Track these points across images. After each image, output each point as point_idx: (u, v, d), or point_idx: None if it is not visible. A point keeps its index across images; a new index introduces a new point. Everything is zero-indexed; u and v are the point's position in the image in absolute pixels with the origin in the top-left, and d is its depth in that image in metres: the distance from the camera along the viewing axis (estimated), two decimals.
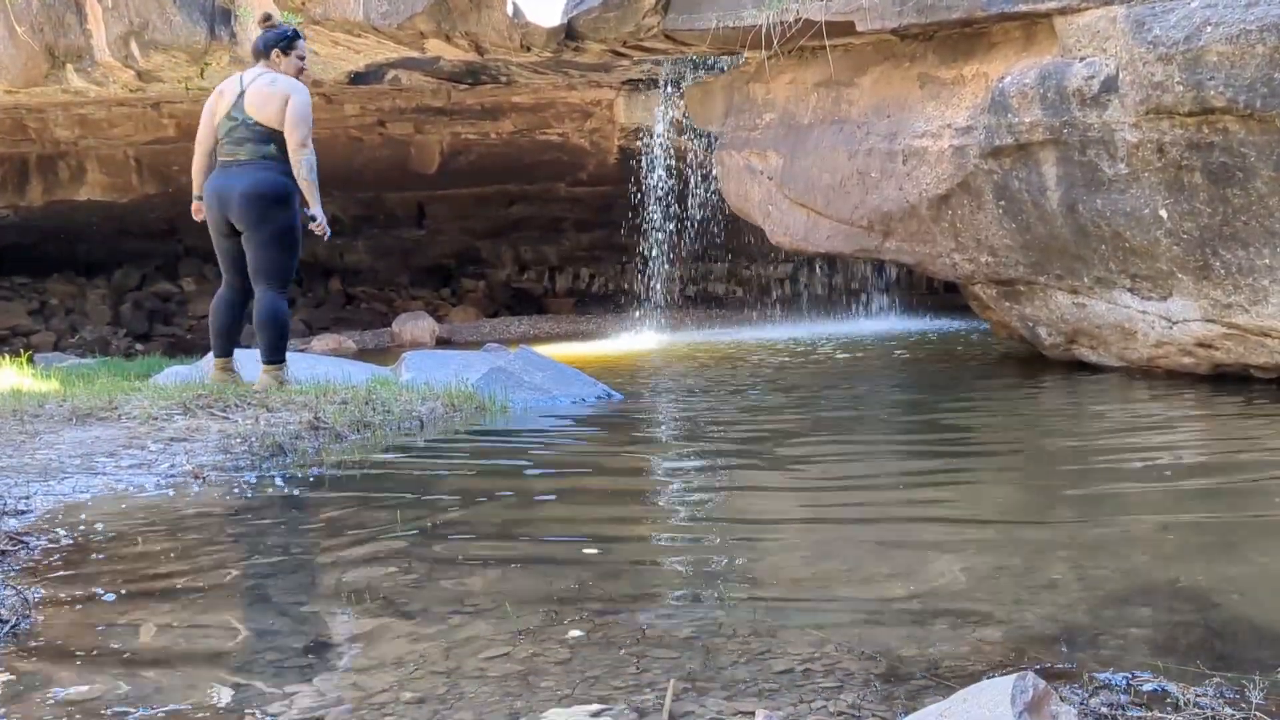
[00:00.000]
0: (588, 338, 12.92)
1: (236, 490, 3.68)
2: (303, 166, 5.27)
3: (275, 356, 5.51)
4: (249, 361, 5.75)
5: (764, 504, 3.58)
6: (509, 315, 16.43)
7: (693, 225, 13.17)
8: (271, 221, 5.31)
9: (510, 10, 8.26)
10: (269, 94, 5.31)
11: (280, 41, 5.47)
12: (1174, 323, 5.85)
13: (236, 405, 5.03)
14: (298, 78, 5.45)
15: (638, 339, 12.26)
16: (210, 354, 5.77)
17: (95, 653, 2.15)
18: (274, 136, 5.30)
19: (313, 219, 5.42)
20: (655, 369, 8.65)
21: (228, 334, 5.61)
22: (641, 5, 7.60)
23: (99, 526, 3.14)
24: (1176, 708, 1.77)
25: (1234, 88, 4.84)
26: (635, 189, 12.99)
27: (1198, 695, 1.80)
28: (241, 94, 5.36)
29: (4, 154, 13.29)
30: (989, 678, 1.62)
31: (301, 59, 5.51)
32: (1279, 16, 4.70)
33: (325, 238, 5.54)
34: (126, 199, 13.90)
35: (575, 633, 2.21)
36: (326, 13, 8.66)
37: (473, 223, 16.24)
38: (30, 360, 8.36)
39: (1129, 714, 1.75)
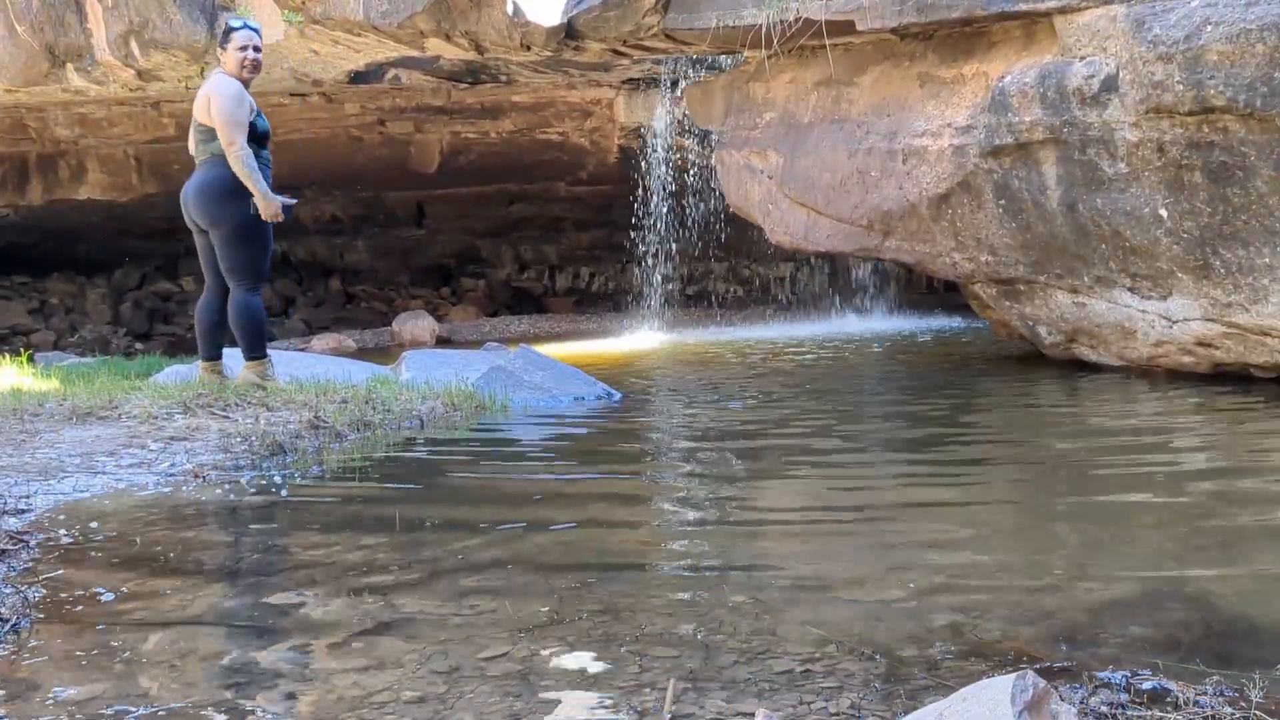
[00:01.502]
0: (588, 337, 12.92)
1: (236, 489, 3.68)
2: (236, 164, 5.24)
3: (254, 352, 5.54)
4: (238, 362, 5.75)
5: (764, 503, 3.58)
6: (509, 314, 16.43)
7: (692, 225, 13.17)
8: (226, 218, 5.34)
9: (510, 9, 8.26)
10: (201, 93, 5.38)
11: (220, 40, 5.55)
12: (1174, 322, 5.85)
13: (236, 404, 5.03)
14: (242, 67, 5.39)
15: (638, 338, 12.25)
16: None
17: (95, 653, 2.15)
18: (215, 134, 5.31)
19: (256, 215, 5.33)
20: (655, 368, 8.65)
21: (210, 336, 5.61)
22: (641, 4, 7.59)
23: (99, 525, 3.14)
24: (1176, 706, 1.77)
25: (1234, 87, 4.84)
26: (635, 188, 12.98)
27: (1197, 694, 1.80)
28: None
29: (4, 153, 13.29)
30: (989, 677, 1.62)
31: (242, 49, 5.41)
32: (1279, 16, 4.70)
33: (280, 218, 5.37)
34: (126, 198, 13.91)
35: (575, 632, 2.21)
36: (326, 12, 8.65)
37: (473, 222, 16.23)
38: (30, 359, 8.36)
39: (1129, 713, 1.75)
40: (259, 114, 5.44)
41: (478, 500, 3.60)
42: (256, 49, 5.46)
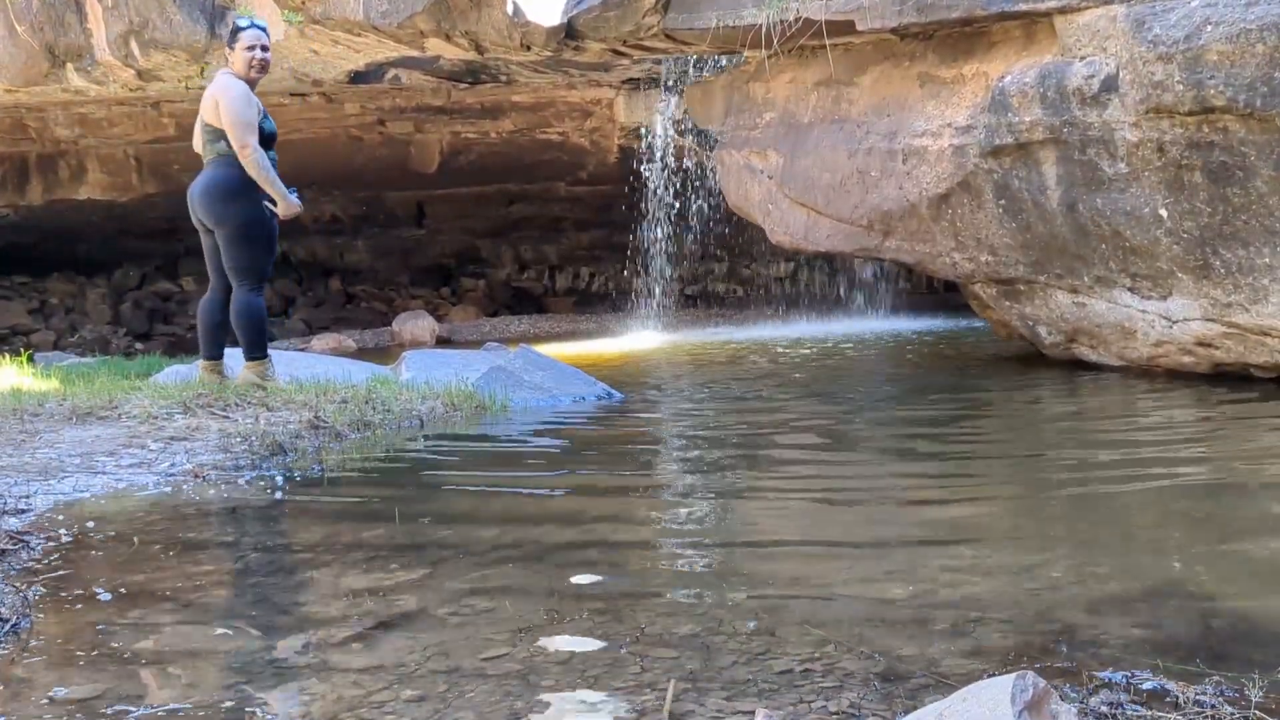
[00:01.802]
0: (588, 337, 12.92)
1: (236, 489, 3.68)
2: (250, 167, 5.24)
3: (255, 353, 5.54)
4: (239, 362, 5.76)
5: (763, 503, 3.58)
6: (509, 314, 16.42)
7: (692, 225, 13.17)
8: (230, 217, 5.33)
9: (510, 9, 8.26)
10: (207, 94, 5.38)
11: (228, 39, 5.53)
12: (1174, 322, 5.85)
13: (237, 404, 5.03)
14: (250, 67, 5.38)
15: (638, 338, 12.25)
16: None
17: (95, 652, 2.15)
18: (223, 134, 5.30)
19: (274, 214, 5.35)
20: (655, 368, 8.65)
21: (212, 335, 5.61)
22: (641, 4, 7.59)
23: (99, 525, 3.14)
24: (1176, 706, 1.77)
25: (1234, 87, 4.84)
26: (635, 188, 12.98)
27: (1197, 694, 1.80)
28: None
29: (4, 153, 13.29)
30: (989, 677, 1.62)
31: (250, 49, 5.38)
32: (1279, 15, 4.70)
33: (289, 215, 5.38)
34: (126, 198, 13.90)
35: (575, 632, 2.21)
36: (327, 12, 8.65)
37: (473, 222, 16.23)
38: (30, 359, 8.36)
39: (1129, 712, 1.75)
40: (265, 115, 5.43)
41: (477, 500, 3.60)
42: (264, 48, 5.44)
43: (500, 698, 1.89)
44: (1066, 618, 2.24)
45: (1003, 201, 6.10)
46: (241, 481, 3.79)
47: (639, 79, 11.97)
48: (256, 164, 5.24)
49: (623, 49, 8.55)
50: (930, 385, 6.83)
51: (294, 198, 5.39)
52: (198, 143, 5.48)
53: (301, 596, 2.54)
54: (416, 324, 14.05)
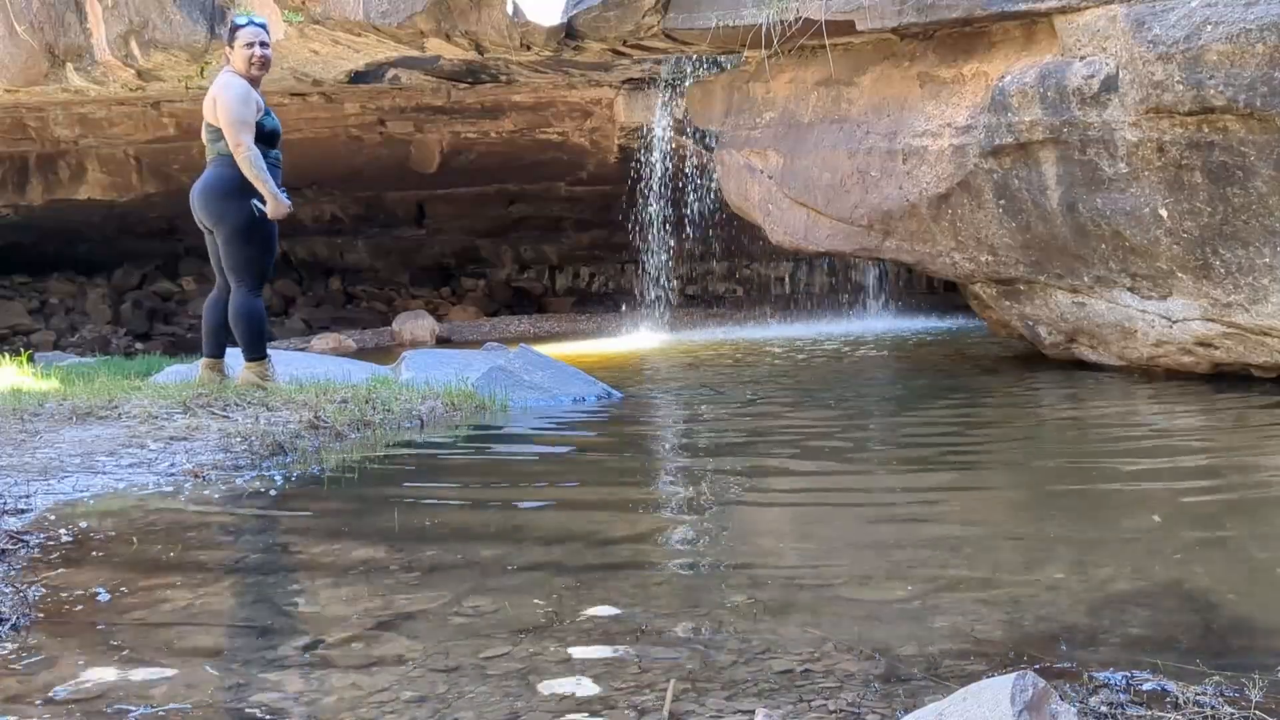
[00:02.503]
0: (588, 337, 12.92)
1: (236, 489, 3.68)
2: (244, 164, 5.24)
3: (253, 353, 5.53)
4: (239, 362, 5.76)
5: (762, 504, 3.58)
6: (509, 314, 16.43)
7: (692, 225, 13.18)
8: (228, 217, 5.33)
9: (510, 9, 8.25)
10: (209, 94, 5.39)
11: (227, 38, 5.53)
12: (1174, 322, 5.85)
13: (236, 404, 5.03)
14: (250, 64, 5.37)
15: (638, 338, 12.25)
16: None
17: (95, 651, 2.15)
18: (223, 133, 5.30)
19: (261, 212, 5.31)
20: (655, 368, 8.65)
21: (215, 334, 5.61)
22: (641, 4, 7.59)
23: (99, 525, 3.14)
24: (1176, 706, 1.77)
25: (1234, 87, 4.84)
26: (635, 188, 12.98)
27: (1197, 694, 1.80)
28: None
29: (4, 153, 13.29)
30: (989, 677, 1.62)
31: (249, 46, 5.38)
32: (1279, 15, 4.70)
33: (277, 216, 5.35)
34: (127, 198, 13.90)
35: (575, 632, 2.21)
36: (327, 12, 8.65)
37: (473, 222, 16.24)
38: (30, 359, 8.35)
39: (1128, 712, 1.75)
40: (268, 112, 5.41)
41: (477, 501, 3.60)
42: (264, 45, 5.42)
43: (500, 698, 1.89)
44: (1066, 618, 2.24)
45: (1003, 201, 6.10)
46: (241, 482, 3.79)
47: (639, 79, 11.97)
48: (249, 161, 5.23)
49: (623, 49, 8.55)
50: (930, 386, 6.82)
51: (285, 199, 5.38)
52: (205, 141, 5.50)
53: (301, 597, 2.54)
54: (416, 324, 14.05)
